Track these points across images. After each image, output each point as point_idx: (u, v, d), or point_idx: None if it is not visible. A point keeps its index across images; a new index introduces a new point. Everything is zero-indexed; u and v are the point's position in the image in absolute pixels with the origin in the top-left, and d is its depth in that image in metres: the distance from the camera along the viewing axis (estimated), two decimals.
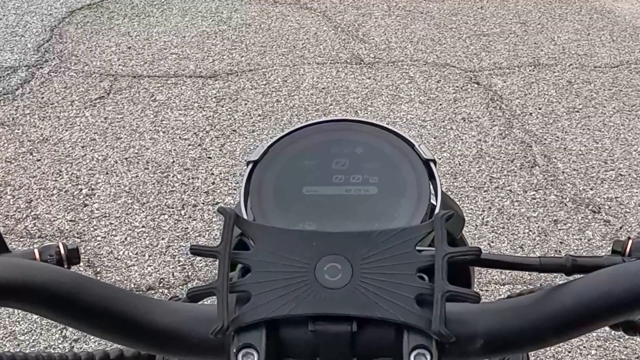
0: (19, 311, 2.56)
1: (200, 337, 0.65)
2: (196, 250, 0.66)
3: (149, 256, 2.83)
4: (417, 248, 0.66)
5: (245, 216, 0.74)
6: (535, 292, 0.66)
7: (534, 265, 0.74)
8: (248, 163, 0.77)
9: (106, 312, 0.65)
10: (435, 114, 3.73)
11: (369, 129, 0.79)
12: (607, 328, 2.19)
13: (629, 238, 0.73)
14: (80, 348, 2.44)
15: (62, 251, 0.74)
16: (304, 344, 0.64)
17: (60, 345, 2.46)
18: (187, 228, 2.96)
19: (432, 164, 0.76)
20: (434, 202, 0.74)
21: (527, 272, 2.73)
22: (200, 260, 2.77)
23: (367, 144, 0.77)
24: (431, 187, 0.75)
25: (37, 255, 0.74)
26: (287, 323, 0.64)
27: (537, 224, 3.01)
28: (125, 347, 0.82)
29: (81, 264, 2.77)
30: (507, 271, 2.75)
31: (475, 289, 0.72)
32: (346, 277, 0.65)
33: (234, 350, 0.63)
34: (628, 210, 3.10)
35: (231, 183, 3.21)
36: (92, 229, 2.96)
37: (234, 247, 0.73)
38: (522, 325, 0.64)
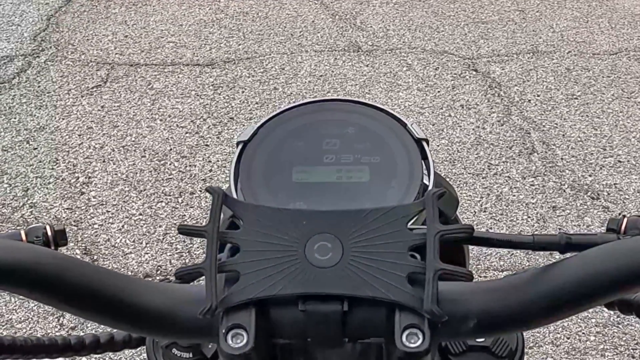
0: (16, 299, 2.56)
1: (189, 317, 0.64)
2: (184, 230, 0.65)
3: (146, 244, 2.82)
4: (409, 226, 0.65)
5: (235, 197, 0.73)
6: (529, 271, 0.65)
7: (528, 243, 0.73)
8: (238, 143, 0.76)
9: (93, 293, 0.64)
10: (434, 101, 3.72)
11: (360, 108, 0.78)
12: (606, 314, 2.17)
13: (624, 216, 0.72)
14: (85, 334, 2.43)
15: (49, 232, 0.73)
16: (294, 324, 0.64)
17: (57, 333, 2.45)
18: (185, 215, 2.96)
19: (424, 143, 0.75)
20: (427, 182, 0.73)
21: (526, 259, 2.73)
22: (198, 247, 2.76)
23: (358, 123, 0.76)
24: (424, 166, 0.74)
25: (24, 237, 0.73)
26: (277, 303, 0.63)
27: (535, 210, 3.00)
28: (115, 330, 0.81)
29: (78, 251, 2.77)
30: (506, 257, 2.75)
31: (470, 271, 0.71)
32: (336, 256, 0.64)
33: (223, 331, 0.62)
34: (627, 196, 3.09)
35: (228, 170, 3.20)
36: (89, 216, 2.95)
37: (226, 228, 0.72)
38: (516, 304, 0.63)
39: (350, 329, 0.63)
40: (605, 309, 0.74)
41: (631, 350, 2.43)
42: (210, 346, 0.82)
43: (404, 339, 0.61)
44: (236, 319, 0.62)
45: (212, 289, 0.62)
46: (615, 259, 0.62)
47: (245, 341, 0.62)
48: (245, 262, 0.64)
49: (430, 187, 0.73)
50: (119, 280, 0.65)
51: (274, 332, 0.64)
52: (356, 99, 0.79)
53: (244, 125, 3.51)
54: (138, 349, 0.86)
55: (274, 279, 0.63)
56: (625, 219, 0.72)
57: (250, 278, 0.63)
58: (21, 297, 0.65)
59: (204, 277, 0.63)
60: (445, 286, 0.64)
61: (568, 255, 0.67)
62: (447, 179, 3.13)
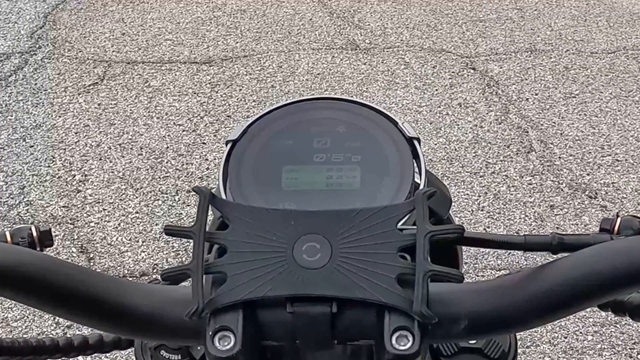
0: None
1: (175, 319, 0.63)
2: (170, 231, 0.64)
3: (143, 242, 2.82)
4: (399, 227, 0.64)
5: (224, 197, 0.72)
6: (521, 272, 0.64)
7: (519, 244, 0.73)
8: (227, 143, 0.75)
9: (79, 295, 0.63)
10: (431, 99, 3.71)
11: (351, 107, 0.77)
12: (603, 313, 2.16)
13: (617, 216, 0.71)
14: (74, 334, 2.42)
15: (34, 233, 0.72)
16: (282, 326, 0.63)
17: (53, 332, 2.44)
18: (181, 214, 2.95)
19: (416, 142, 0.74)
20: (418, 181, 0.73)
21: (523, 258, 2.72)
22: None
23: (349, 122, 0.75)
24: (415, 165, 0.73)
25: (9, 238, 0.72)
26: (265, 305, 0.63)
27: (533, 209, 3.00)
28: (104, 331, 0.80)
29: (74, 250, 2.76)
30: (504, 256, 2.74)
31: (464, 271, 0.70)
32: (325, 257, 0.63)
33: (210, 333, 0.61)
34: (625, 195, 3.08)
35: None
36: (85, 214, 2.95)
37: (216, 228, 0.71)
38: (507, 306, 0.62)
39: (339, 331, 0.63)
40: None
41: (629, 350, 2.42)
42: (199, 348, 0.81)
43: (393, 341, 0.60)
44: (223, 321, 0.61)
45: (199, 290, 0.61)
46: (608, 259, 0.61)
47: (232, 343, 0.61)
48: (233, 263, 0.63)
49: (422, 186, 0.72)
50: (104, 282, 0.64)
51: (262, 334, 0.63)
52: (347, 97, 0.78)
53: (241, 123, 3.50)
54: (128, 350, 0.85)
55: (261, 281, 0.62)
56: (619, 219, 0.71)
57: (237, 279, 0.62)
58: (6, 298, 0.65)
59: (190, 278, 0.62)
60: (435, 287, 0.63)
61: (560, 255, 0.66)
62: (445, 178, 3.13)
